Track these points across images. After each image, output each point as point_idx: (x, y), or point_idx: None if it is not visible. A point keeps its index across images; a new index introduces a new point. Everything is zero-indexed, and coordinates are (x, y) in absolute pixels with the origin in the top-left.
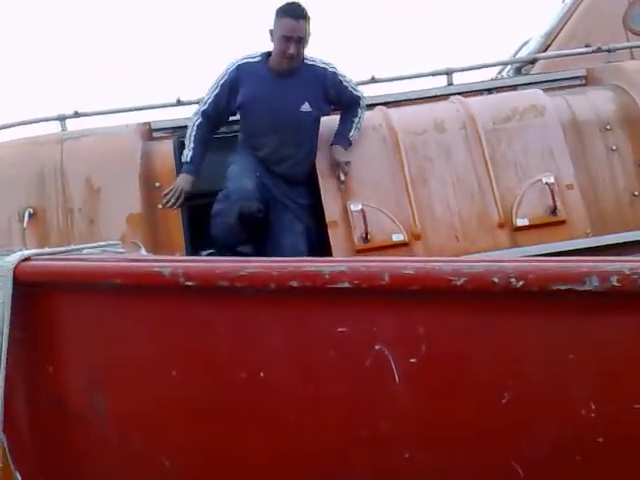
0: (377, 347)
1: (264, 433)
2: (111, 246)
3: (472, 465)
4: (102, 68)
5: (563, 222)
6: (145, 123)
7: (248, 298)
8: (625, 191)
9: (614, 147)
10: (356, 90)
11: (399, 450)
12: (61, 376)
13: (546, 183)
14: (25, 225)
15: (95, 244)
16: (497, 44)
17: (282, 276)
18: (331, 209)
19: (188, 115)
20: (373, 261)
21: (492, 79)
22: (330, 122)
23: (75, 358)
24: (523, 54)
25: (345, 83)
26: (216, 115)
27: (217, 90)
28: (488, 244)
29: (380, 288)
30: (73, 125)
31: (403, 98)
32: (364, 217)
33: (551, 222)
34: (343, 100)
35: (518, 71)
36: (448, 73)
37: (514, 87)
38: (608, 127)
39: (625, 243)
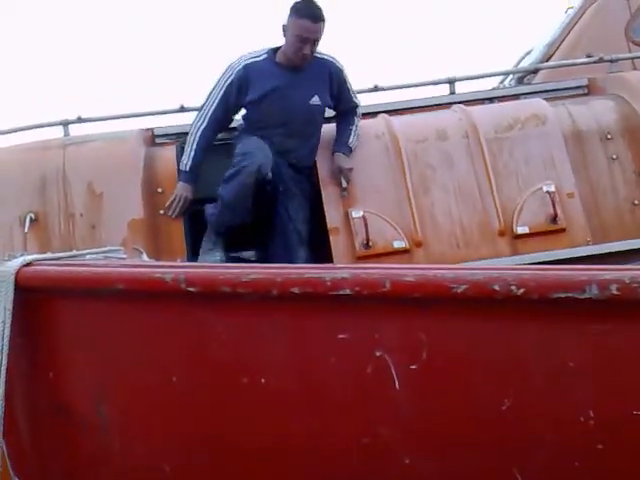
0: (378, 354)
1: (267, 439)
2: (113, 252)
3: (473, 472)
4: (105, 71)
5: (563, 230)
6: (148, 129)
7: (250, 304)
8: (625, 200)
9: (615, 156)
10: (355, 97)
11: (400, 456)
12: (62, 382)
13: (547, 191)
14: (26, 230)
15: (97, 250)
16: (497, 48)
17: (284, 282)
18: (332, 215)
19: (191, 121)
20: (374, 268)
21: (494, 88)
22: (329, 129)
23: (77, 364)
24: (525, 64)
25: (348, 85)
26: (224, 117)
27: (222, 92)
28: (489, 252)
29: (381, 295)
30: (76, 130)
31: (405, 106)
32: (365, 224)
33: (552, 230)
34: (341, 101)
35: (520, 80)
36: (450, 82)
37: (516, 96)
38: (609, 136)
39: (625, 251)
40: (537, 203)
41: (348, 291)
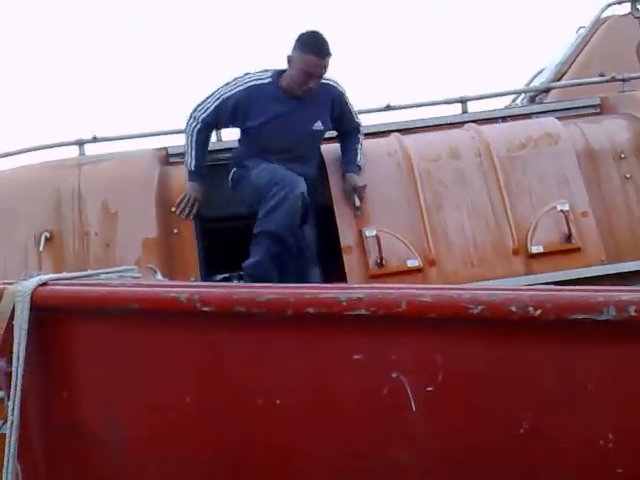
0: (394, 375)
1: (281, 460)
2: (128, 271)
3: None
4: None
5: (578, 249)
6: (162, 148)
7: (265, 324)
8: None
9: (628, 175)
10: (356, 117)
11: (416, 478)
12: (77, 402)
13: (561, 210)
14: (41, 249)
15: (112, 269)
16: (510, 68)
17: (299, 303)
18: (346, 234)
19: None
20: (390, 288)
21: (506, 107)
22: (335, 149)
23: (92, 384)
24: (537, 83)
25: (349, 107)
26: (215, 124)
27: (219, 102)
28: (503, 271)
29: (397, 315)
30: (91, 149)
31: (418, 125)
32: (379, 242)
33: (566, 249)
34: (344, 122)
35: (532, 100)
36: (462, 101)
37: (528, 115)
38: (622, 155)
39: None
40: (551, 222)
41: (364, 311)
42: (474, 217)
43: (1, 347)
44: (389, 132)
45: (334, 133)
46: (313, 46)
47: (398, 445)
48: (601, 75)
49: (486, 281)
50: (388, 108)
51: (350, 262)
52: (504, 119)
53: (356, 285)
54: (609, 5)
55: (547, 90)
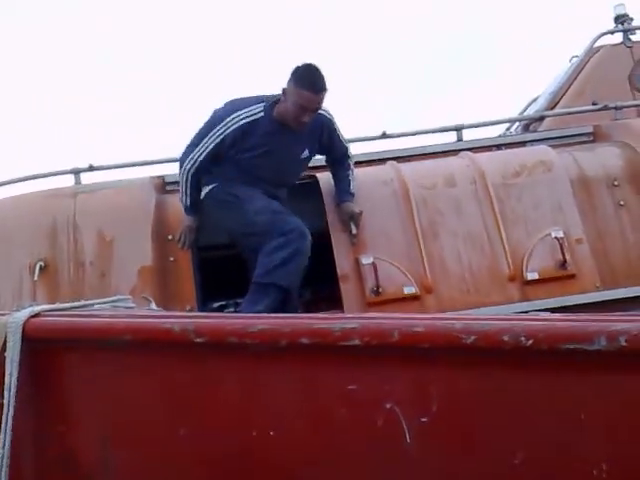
0: (388, 405)
1: None
2: (121, 301)
3: None
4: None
5: (573, 276)
6: (159, 176)
7: (258, 355)
8: (634, 245)
9: (622, 202)
10: (345, 141)
11: None
12: (70, 434)
13: (555, 237)
14: (36, 278)
15: (105, 299)
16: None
17: (292, 333)
18: (342, 262)
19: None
20: (383, 318)
21: (501, 135)
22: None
23: (85, 416)
24: (531, 111)
25: (337, 132)
26: (210, 163)
27: (215, 144)
28: (499, 297)
29: (391, 345)
30: (87, 178)
31: (414, 153)
32: (375, 270)
33: (561, 276)
34: (333, 149)
35: (526, 128)
36: (458, 129)
37: (523, 143)
38: (616, 183)
39: (634, 297)
40: (546, 249)
41: (357, 341)
42: (470, 244)
43: None
44: (385, 160)
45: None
46: (309, 81)
47: (392, 476)
48: (594, 103)
49: (482, 308)
50: (384, 136)
51: (347, 290)
52: (499, 147)
53: (349, 315)
54: (602, 34)
55: (541, 118)
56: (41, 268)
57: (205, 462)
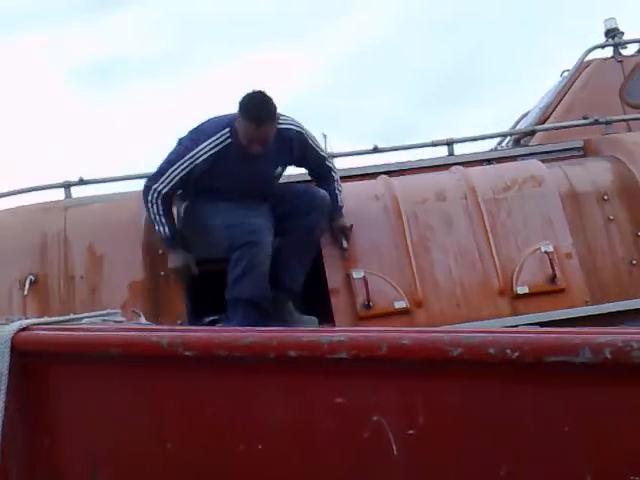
0: (375, 418)
1: None
2: (110, 315)
3: None
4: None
5: (562, 290)
6: None
7: (247, 368)
8: (623, 260)
9: (612, 217)
10: (321, 150)
11: None
12: (58, 448)
13: (545, 252)
14: (26, 292)
15: (94, 313)
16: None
17: (281, 346)
18: (333, 277)
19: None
20: (371, 331)
21: (492, 150)
22: None
23: (73, 430)
24: (522, 126)
25: (311, 142)
26: (174, 193)
27: (180, 176)
28: (489, 312)
29: (378, 358)
30: (78, 192)
31: (405, 167)
32: (366, 284)
33: (550, 290)
34: (310, 160)
35: (517, 142)
36: (449, 143)
37: (513, 158)
38: (605, 197)
39: (624, 311)
40: (536, 263)
41: (345, 354)
42: (460, 259)
43: None
44: (376, 174)
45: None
46: (252, 113)
47: None
48: (584, 118)
49: (472, 322)
50: (375, 150)
51: (338, 304)
52: (490, 161)
53: (337, 328)
54: (592, 49)
55: (532, 133)
56: (31, 282)
57: (194, 476)
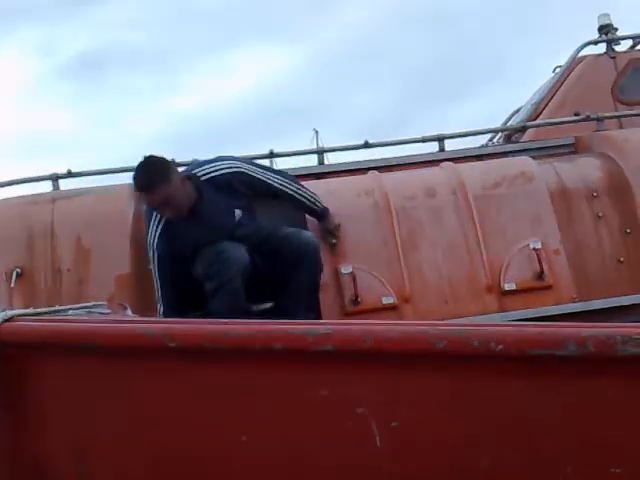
0: (359, 410)
1: None
2: (97, 307)
3: None
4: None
5: (550, 287)
6: None
7: (232, 360)
8: (611, 257)
9: (600, 214)
10: (267, 173)
11: None
12: (42, 440)
13: (533, 248)
14: (12, 285)
15: (80, 305)
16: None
17: (266, 338)
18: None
19: None
20: (356, 324)
21: (482, 146)
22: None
23: (58, 422)
24: (513, 122)
25: (253, 174)
26: (176, 280)
27: (158, 272)
28: (476, 308)
29: (363, 351)
30: (66, 184)
31: (395, 163)
32: (354, 280)
33: (538, 287)
34: (262, 191)
35: (508, 139)
36: (439, 139)
37: (504, 154)
38: (595, 194)
39: (611, 308)
40: (524, 260)
41: (330, 347)
42: (449, 255)
43: None
44: (367, 169)
45: (315, 168)
46: (138, 183)
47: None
48: (576, 114)
49: (460, 318)
50: (366, 146)
51: (325, 299)
52: (480, 157)
53: (323, 321)
54: (585, 45)
55: (523, 129)
56: (18, 275)
57: (176, 468)
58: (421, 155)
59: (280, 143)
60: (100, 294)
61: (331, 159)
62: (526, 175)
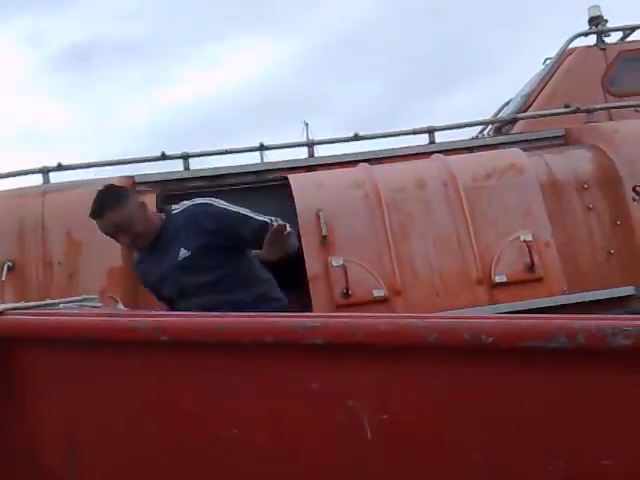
0: (350, 403)
1: None
2: (88, 300)
3: None
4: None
5: (540, 279)
6: (129, 176)
7: (223, 353)
8: (601, 249)
9: (591, 206)
10: (254, 219)
11: None
12: (34, 433)
13: (524, 241)
14: (3, 278)
15: (71, 299)
16: (477, 98)
17: (257, 331)
18: (312, 264)
19: (172, 169)
20: (347, 317)
21: (473, 138)
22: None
23: (49, 415)
24: (504, 114)
25: (228, 212)
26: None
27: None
28: (467, 300)
29: (353, 344)
30: (56, 177)
31: (386, 155)
32: (345, 272)
33: (528, 279)
34: (245, 234)
35: (499, 130)
36: (430, 131)
37: (495, 146)
38: (585, 186)
39: (601, 300)
40: (515, 252)
41: (320, 340)
42: (440, 247)
43: None
44: (357, 162)
45: (305, 161)
46: (91, 211)
47: (353, 473)
48: (566, 106)
49: (450, 310)
50: (356, 138)
51: (316, 292)
52: (471, 149)
53: (314, 314)
54: (575, 36)
55: (513, 121)
56: (9, 268)
57: (171, 461)
58: (412, 147)
59: (270, 135)
60: (91, 287)
61: (321, 151)
62: (516, 167)
